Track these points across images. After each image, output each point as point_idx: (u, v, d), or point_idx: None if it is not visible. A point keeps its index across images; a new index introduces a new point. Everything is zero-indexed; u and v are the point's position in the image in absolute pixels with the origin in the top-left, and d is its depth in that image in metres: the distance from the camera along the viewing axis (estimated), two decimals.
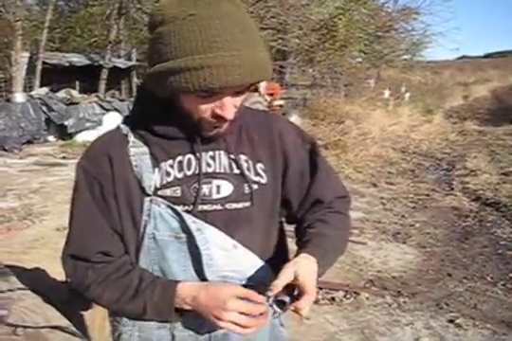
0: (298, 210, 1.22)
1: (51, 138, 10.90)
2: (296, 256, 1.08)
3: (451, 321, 3.32)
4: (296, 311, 1.01)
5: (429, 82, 25.25)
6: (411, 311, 3.46)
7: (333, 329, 3.20)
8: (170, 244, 1.12)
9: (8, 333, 1.59)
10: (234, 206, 1.13)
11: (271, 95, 11.87)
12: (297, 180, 1.20)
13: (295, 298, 1.01)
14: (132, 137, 1.11)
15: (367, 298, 3.60)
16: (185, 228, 1.10)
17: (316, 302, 3.43)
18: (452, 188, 7.04)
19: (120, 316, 1.19)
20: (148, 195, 1.09)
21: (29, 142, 10.36)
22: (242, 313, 1.02)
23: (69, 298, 1.96)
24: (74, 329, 1.75)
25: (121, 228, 1.12)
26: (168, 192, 1.10)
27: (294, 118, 11.37)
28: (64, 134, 10.84)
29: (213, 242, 1.11)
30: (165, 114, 1.08)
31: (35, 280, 2.04)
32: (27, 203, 5.81)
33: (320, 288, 3.59)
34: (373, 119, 11.74)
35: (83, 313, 2.08)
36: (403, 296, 3.66)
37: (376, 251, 4.57)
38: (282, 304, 1.00)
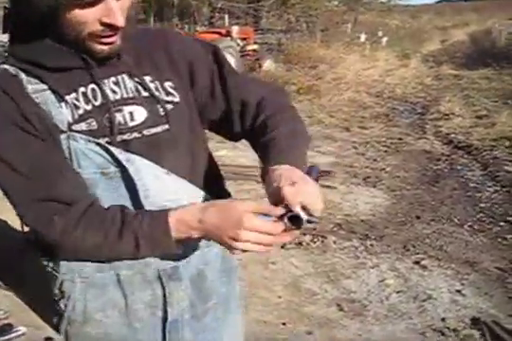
0: (231, 124, 1.15)
1: None
2: (268, 171, 0.96)
3: (417, 263, 3.33)
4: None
5: (407, 27, 24.87)
6: (377, 253, 3.46)
7: (298, 272, 3.19)
8: (98, 182, 1.04)
9: None
10: (153, 130, 1.07)
11: (244, 39, 11.55)
12: (210, 92, 1.13)
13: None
14: (23, 76, 0.99)
15: (334, 242, 3.59)
16: (112, 162, 1.02)
17: (282, 247, 3.40)
18: (425, 132, 7.01)
19: (58, 265, 1.10)
20: (63, 132, 1.00)
21: None
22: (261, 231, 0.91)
23: (24, 249, 1.87)
24: None
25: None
26: (83, 126, 1.01)
27: (268, 63, 11.13)
28: None
29: (145, 171, 1.04)
30: (48, 43, 0.98)
31: None
32: None
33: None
34: (348, 64, 11.54)
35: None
36: (370, 239, 3.66)
37: (346, 195, 4.54)
38: (296, 220, 0.88)
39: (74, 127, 1.01)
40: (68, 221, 0.98)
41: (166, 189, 1.08)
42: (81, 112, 1.01)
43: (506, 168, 5.32)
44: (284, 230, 0.89)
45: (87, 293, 1.11)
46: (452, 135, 6.65)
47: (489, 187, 4.92)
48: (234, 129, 1.15)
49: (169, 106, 1.08)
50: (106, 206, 1.03)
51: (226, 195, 1.25)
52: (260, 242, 0.90)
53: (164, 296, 1.13)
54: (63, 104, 1.00)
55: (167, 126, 1.08)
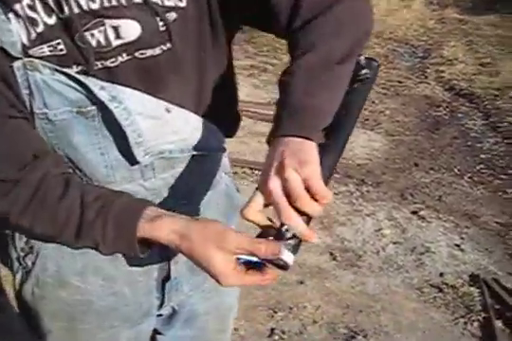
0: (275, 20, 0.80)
1: None
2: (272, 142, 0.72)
3: (415, 213, 3.15)
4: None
5: None
6: (373, 200, 3.26)
7: None
8: (73, 124, 0.78)
9: None
10: (149, 52, 0.78)
11: None
12: None
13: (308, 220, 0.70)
14: None
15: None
16: (92, 98, 0.76)
17: None
18: (426, 77, 6.70)
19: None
20: (16, 58, 0.72)
21: None
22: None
23: None
24: None
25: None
26: (46, 50, 0.73)
27: None
28: None
29: (137, 110, 0.78)
30: None
31: None
32: None
33: None
34: None
35: None
36: (367, 185, 3.45)
37: None
38: (293, 246, 0.70)
39: (32, 51, 0.73)
40: (12, 207, 0.75)
41: (164, 131, 0.83)
42: (40, 29, 0.72)
43: (509, 119, 5.09)
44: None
45: (62, 251, 0.87)
46: (454, 82, 6.36)
47: (490, 137, 4.72)
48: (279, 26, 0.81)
49: (171, 16, 0.78)
50: (84, 153, 0.78)
51: (236, 122, 0.99)
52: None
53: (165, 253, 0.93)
54: (11, 17, 0.70)
55: (168, 45, 0.79)
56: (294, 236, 0.68)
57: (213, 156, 0.94)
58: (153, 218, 0.72)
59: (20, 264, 0.93)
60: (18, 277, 0.95)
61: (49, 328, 0.96)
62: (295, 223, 0.66)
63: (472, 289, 2.48)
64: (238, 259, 0.70)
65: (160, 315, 1.05)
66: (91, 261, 0.89)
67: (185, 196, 0.91)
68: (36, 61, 0.73)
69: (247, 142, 3.90)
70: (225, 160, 1.04)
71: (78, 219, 0.74)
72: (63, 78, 0.74)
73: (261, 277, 0.70)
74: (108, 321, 0.96)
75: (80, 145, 0.80)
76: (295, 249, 0.69)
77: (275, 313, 2.21)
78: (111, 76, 0.77)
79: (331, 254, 2.66)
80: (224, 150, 0.98)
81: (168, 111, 0.81)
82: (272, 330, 2.12)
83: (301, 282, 2.41)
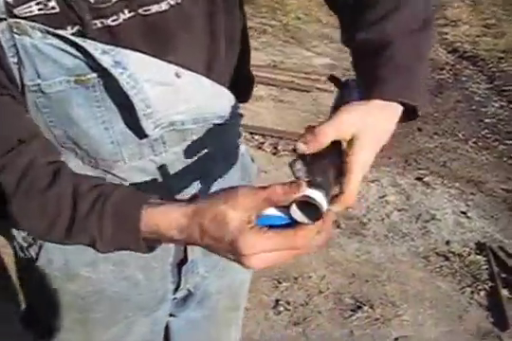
0: None
1: None
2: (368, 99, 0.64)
3: (419, 179, 3.08)
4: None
5: None
6: (377, 167, 3.18)
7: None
8: (71, 95, 0.68)
9: None
10: (155, 8, 0.67)
11: None
12: None
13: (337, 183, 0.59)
14: None
15: None
16: (92, 64, 0.65)
17: (274, 154, 3.10)
18: None
19: None
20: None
21: None
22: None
23: None
24: None
25: None
26: (34, 8, 0.62)
27: None
28: None
29: (144, 76, 0.68)
30: None
31: None
32: None
33: (281, 138, 3.24)
34: None
35: None
36: None
37: None
38: (311, 209, 0.55)
39: (18, 11, 0.62)
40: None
41: (175, 99, 0.73)
42: None
43: None
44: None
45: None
46: (458, 44, 6.22)
47: (495, 101, 4.62)
48: None
49: None
50: (86, 128, 0.69)
51: (250, 86, 0.91)
52: (275, 260, 0.57)
53: None
54: None
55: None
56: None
57: (229, 125, 0.84)
58: (158, 204, 0.62)
59: (24, 255, 0.84)
60: (23, 266, 0.88)
61: (60, 321, 0.89)
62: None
63: (479, 257, 2.43)
64: (258, 219, 0.56)
65: (175, 299, 0.98)
66: None
67: (199, 171, 0.82)
68: (23, 22, 0.62)
69: (246, 106, 3.79)
70: (240, 128, 0.95)
71: (70, 210, 0.63)
72: (56, 41, 0.63)
73: (293, 234, 0.55)
74: (122, 312, 0.89)
75: (80, 120, 0.69)
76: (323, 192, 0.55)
77: (279, 283, 2.16)
78: (113, 37, 0.66)
79: (335, 221, 2.60)
80: (240, 117, 0.89)
81: (178, 76, 0.71)
82: (277, 301, 2.08)
83: None
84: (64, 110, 0.68)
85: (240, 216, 0.55)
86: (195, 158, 0.80)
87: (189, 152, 0.78)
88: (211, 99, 0.77)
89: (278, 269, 2.23)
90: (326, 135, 0.60)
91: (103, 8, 0.64)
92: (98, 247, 0.64)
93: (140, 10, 0.67)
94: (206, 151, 0.81)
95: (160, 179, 0.76)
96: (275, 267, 2.25)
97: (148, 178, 0.77)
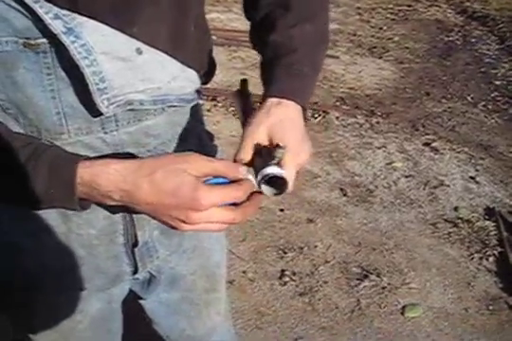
0: None
1: None
2: (263, 99, 0.74)
3: (427, 144, 3.02)
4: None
5: None
6: (384, 132, 3.12)
7: None
8: (19, 58, 0.62)
9: None
10: None
11: None
12: None
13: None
14: None
15: (337, 118, 3.23)
16: (42, 29, 0.60)
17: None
18: (437, 0, 6.34)
19: None
20: None
21: None
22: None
23: None
24: None
25: None
26: None
27: None
28: None
29: (101, 48, 0.63)
30: None
31: None
32: None
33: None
34: None
35: None
36: (376, 116, 3.30)
37: (350, 66, 4.09)
38: (274, 180, 0.67)
39: None
40: None
41: (134, 77, 0.67)
42: None
43: None
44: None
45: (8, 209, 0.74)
46: (467, 4, 6.02)
47: (505, 63, 4.49)
48: None
49: None
50: (30, 95, 0.64)
51: (213, 68, 0.86)
52: (218, 221, 0.62)
53: (130, 218, 0.80)
54: None
55: None
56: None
57: (189, 108, 0.79)
58: (94, 163, 0.60)
59: None
60: None
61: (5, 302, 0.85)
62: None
63: (488, 223, 2.39)
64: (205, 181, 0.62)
65: (137, 279, 0.94)
66: (44, 220, 0.75)
67: (153, 154, 0.76)
68: None
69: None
70: (200, 109, 0.89)
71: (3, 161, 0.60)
72: (8, 0, 0.57)
73: (235, 190, 0.61)
74: (66, 283, 0.84)
75: (26, 85, 0.64)
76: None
77: (284, 253, 2.13)
78: (75, 2, 0.60)
79: (341, 190, 2.56)
80: (201, 99, 0.83)
81: (139, 52, 0.66)
82: (282, 271, 2.05)
83: (311, 220, 2.32)
84: (9, 72, 0.63)
85: (196, 171, 0.60)
86: (149, 140, 0.75)
87: (143, 133, 0.73)
88: (175, 81, 0.71)
89: (283, 239, 2.21)
90: (248, 153, 0.70)
91: None
92: (29, 202, 0.62)
93: None
94: (161, 133, 0.76)
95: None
96: (280, 237, 2.22)
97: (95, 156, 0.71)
